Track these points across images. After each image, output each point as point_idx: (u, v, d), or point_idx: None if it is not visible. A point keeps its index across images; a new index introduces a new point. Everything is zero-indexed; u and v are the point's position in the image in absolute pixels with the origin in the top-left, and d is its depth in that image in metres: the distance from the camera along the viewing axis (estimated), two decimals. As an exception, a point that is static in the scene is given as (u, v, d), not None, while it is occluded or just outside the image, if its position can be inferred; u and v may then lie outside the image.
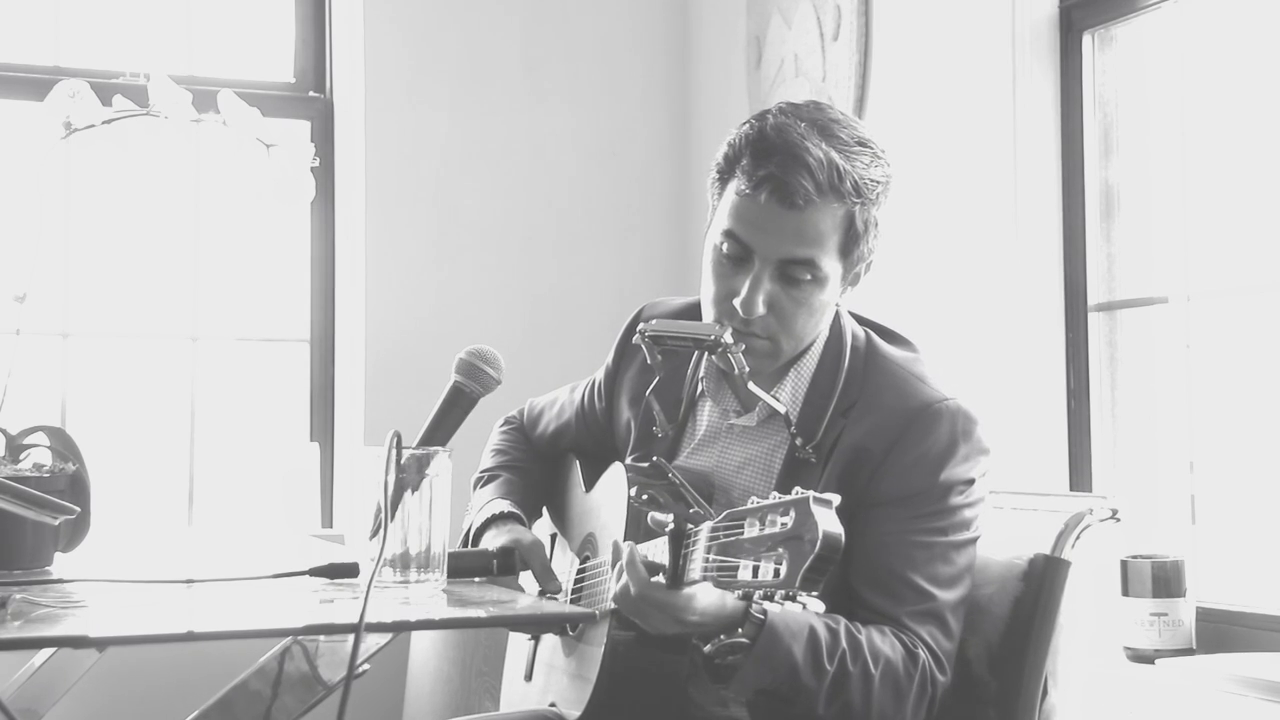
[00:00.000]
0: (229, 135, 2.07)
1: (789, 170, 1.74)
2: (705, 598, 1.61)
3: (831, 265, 1.79)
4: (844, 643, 1.69)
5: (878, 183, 1.79)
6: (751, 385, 1.82)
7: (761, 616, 1.62)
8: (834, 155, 1.75)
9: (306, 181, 2.12)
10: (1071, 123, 2.91)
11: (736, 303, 1.78)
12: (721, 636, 1.63)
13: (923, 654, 1.75)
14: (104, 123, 2.02)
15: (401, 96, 3.81)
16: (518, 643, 2.18)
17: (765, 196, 1.75)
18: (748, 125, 1.82)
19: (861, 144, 1.79)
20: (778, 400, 1.85)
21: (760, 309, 1.77)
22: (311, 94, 3.91)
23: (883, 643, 1.72)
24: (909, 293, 3.13)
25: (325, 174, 3.84)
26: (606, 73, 4.00)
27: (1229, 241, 2.65)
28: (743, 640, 1.62)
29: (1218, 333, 2.66)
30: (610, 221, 3.95)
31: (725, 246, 1.80)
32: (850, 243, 1.79)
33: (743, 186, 1.78)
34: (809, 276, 1.78)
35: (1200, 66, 2.70)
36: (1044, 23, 2.93)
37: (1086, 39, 2.91)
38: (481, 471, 2.18)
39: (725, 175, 1.83)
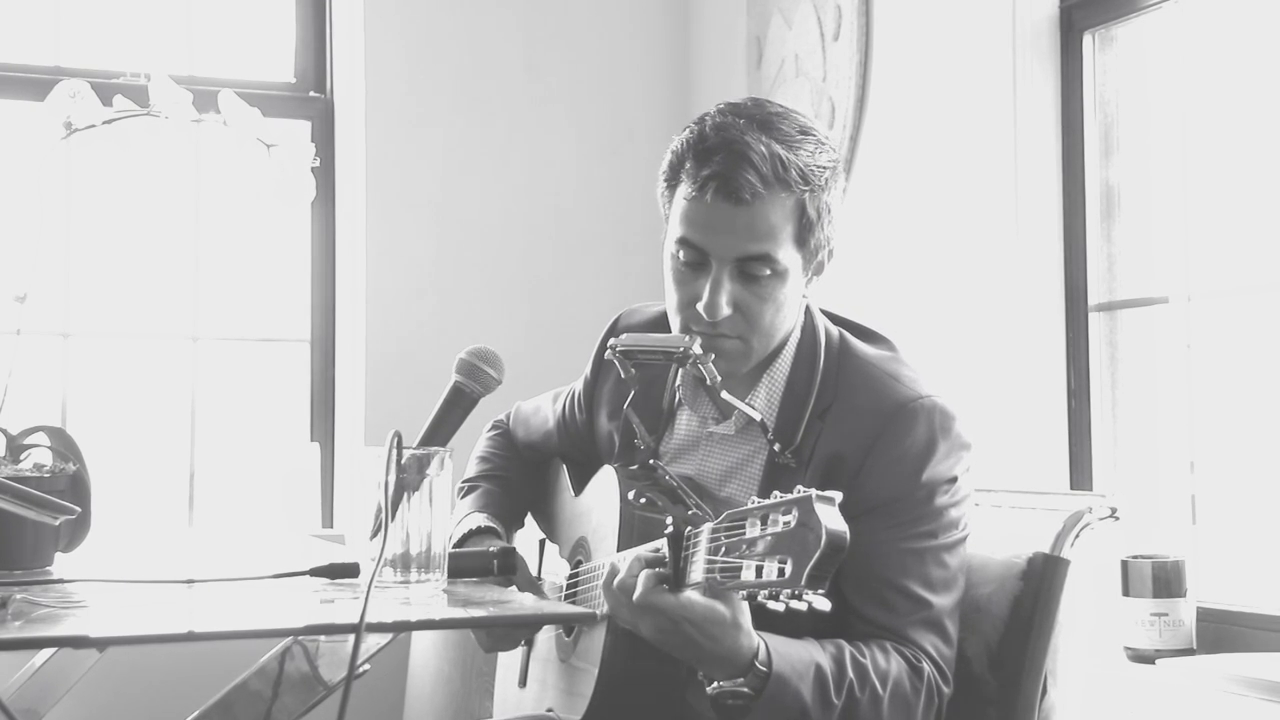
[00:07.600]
0: (229, 135, 2.07)
1: (732, 166, 1.73)
2: (709, 617, 1.56)
3: (790, 257, 1.77)
4: (850, 672, 1.66)
5: (824, 169, 1.78)
6: (725, 394, 1.81)
7: (765, 669, 1.59)
8: (776, 147, 1.74)
9: (307, 181, 2.12)
10: (1071, 123, 2.91)
11: (700, 307, 1.77)
12: (722, 683, 1.60)
13: (927, 667, 1.73)
14: (104, 123, 2.02)
15: (402, 96, 3.81)
16: (509, 648, 2.18)
17: (712, 196, 1.74)
18: (688, 129, 1.81)
19: (804, 132, 1.79)
20: (753, 408, 1.83)
21: (724, 310, 1.76)
22: (311, 94, 3.91)
23: (886, 662, 1.70)
24: (909, 293, 3.13)
25: (325, 174, 3.84)
26: (607, 72, 4.00)
27: (1229, 241, 2.64)
28: (745, 690, 1.59)
29: (1218, 333, 2.65)
30: (611, 221, 3.95)
31: (681, 254, 1.79)
32: (805, 231, 1.77)
33: (689, 190, 1.76)
34: (768, 271, 1.76)
35: (1201, 66, 2.70)
36: (1044, 23, 2.93)
37: (1087, 39, 2.91)
38: (463, 481, 2.16)
39: (672, 182, 1.82)
